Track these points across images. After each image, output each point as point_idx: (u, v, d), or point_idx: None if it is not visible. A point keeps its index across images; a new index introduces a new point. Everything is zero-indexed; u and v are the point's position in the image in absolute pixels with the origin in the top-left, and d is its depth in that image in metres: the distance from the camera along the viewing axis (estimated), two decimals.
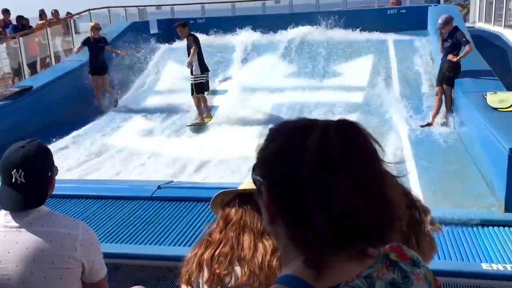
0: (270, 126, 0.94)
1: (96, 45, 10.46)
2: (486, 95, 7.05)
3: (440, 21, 8.59)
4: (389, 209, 0.85)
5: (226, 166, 7.61)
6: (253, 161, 0.94)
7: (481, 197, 5.62)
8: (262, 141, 0.92)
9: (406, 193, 1.52)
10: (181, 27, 9.48)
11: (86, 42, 10.64)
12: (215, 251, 1.76)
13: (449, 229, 3.78)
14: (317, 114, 9.27)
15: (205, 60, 9.64)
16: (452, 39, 8.33)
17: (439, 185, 6.14)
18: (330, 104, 9.84)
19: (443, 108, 8.51)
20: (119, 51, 11.16)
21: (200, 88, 9.41)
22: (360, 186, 0.82)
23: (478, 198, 5.60)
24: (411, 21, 12.93)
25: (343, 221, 0.81)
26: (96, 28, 10.67)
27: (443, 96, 8.51)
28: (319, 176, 0.82)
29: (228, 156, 7.92)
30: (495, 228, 3.79)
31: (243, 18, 14.67)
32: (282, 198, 0.86)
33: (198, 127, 9.47)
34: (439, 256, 3.35)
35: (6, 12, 13.97)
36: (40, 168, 1.92)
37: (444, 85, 8.43)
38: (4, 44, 13.14)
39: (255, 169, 0.92)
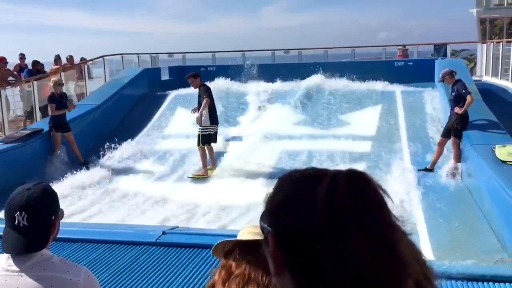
0: (279, 175, 0.93)
1: (60, 101, 10.15)
2: (494, 148, 7.03)
3: (440, 74, 8.91)
4: (400, 263, 0.82)
5: (233, 212, 7.54)
6: (260, 207, 0.93)
7: (492, 252, 5.50)
8: (270, 189, 0.91)
9: (416, 252, 1.47)
10: (193, 77, 9.51)
11: (52, 99, 10.18)
12: None
13: (459, 284, 3.68)
14: (326, 163, 9.25)
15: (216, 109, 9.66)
16: (455, 91, 8.53)
17: (449, 238, 6.04)
18: (339, 153, 9.83)
19: (451, 160, 8.49)
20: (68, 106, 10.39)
21: (206, 139, 9.34)
22: (370, 238, 0.80)
23: (489, 253, 5.49)
24: (418, 74, 13.14)
25: (354, 275, 0.79)
26: (58, 83, 10.39)
27: (444, 148, 8.65)
28: (326, 226, 0.80)
29: (236, 203, 7.86)
30: (507, 284, 3.68)
31: (253, 66, 14.94)
32: (289, 248, 0.84)
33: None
34: None
35: (22, 57, 14.38)
36: (44, 211, 1.91)
37: (452, 137, 8.48)
38: (18, 88, 13.39)
39: (263, 217, 0.91)
